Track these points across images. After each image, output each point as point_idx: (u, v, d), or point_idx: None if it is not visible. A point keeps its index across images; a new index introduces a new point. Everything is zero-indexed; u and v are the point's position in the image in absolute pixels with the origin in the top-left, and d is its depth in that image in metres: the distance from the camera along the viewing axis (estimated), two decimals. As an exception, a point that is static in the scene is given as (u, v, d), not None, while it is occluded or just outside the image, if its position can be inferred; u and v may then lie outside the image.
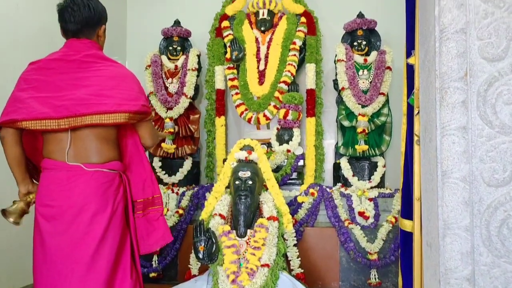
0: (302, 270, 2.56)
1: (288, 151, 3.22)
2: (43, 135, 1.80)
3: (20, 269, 2.65)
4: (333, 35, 3.54)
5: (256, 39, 3.41)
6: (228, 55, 3.44)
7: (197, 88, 3.51)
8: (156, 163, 3.39)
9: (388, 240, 2.84)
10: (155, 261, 2.97)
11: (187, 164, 3.42)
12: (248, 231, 2.34)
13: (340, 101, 3.30)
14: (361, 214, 2.92)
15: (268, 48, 3.37)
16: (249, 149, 2.60)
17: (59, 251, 1.71)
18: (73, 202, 1.73)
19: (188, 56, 3.47)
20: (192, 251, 2.29)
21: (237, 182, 2.43)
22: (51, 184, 1.75)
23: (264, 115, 3.29)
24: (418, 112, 1.55)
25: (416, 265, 1.62)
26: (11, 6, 2.73)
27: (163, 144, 3.34)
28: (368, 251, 2.81)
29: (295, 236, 2.56)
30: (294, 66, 3.33)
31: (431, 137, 1.30)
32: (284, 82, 3.28)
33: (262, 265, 2.19)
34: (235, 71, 3.47)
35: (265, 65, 3.37)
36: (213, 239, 2.23)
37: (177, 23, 3.58)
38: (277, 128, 3.29)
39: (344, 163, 3.22)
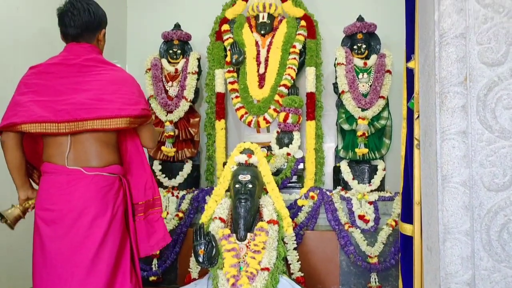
0: (302, 274, 2.56)
1: (288, 154, 3.22)
2: (43, 139, 1.80)
3: (19, 273, 2.65)
4: (333, 38, 3.55)
5: (256, 43, 3.42)
6: (228, 59, 3.44)
7: (197, 92, 3.51)
8: (156, 166, 3.39)
9: (388, 244, 2.84)
10: (155, 265, 2.97)
11: (187, 167, 3.42)
12: (248, 234, 2.33)
13: (340, 105, 3.31)
14: (361, 217, 2.92)
15: (268, 51, 3.38)
16: (249, 152, 2.60)
17: (59, 255, 1.71)
18: (73, 206, 1.73)
19: (188, 59, 3.48)
20: (192, 254, 2.29)
21: (237, 186, 2.42)
22: (51, 188, 1.75)
23: (264, 119, 3.30)
24: (418, 116, 1.55)
25: (417, 269, 1.62)
26: (11, 8, 2.74)
27: (163, 148, 3.34)
28: (368, 255, 2.81)
29: (295, 240, 2.56)
30: (294, 69, 3.33)
31: (431, 142, 1.30)
32: (284, 85, 3.29)
33: (262, 269, 2.19)
34: (235, 74, 3.48)
35: (265, 68, 3.37)
36: (213, 243, 2.22)
37: (177, 26, 3.59)
38: (277, 132, 3.29)
39: (344, 166, 3.22)
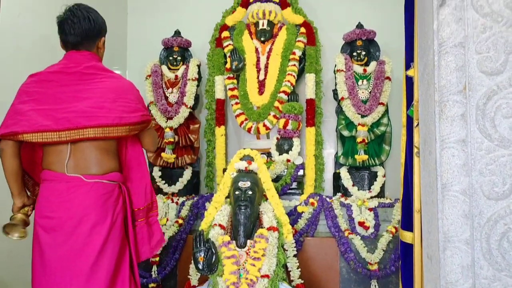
0: (302, 281, 2.55)
1: (288, 160, 3.22)
2: (43, 146, 1.81)
3: (19, 279, 2.64)
4: (333, 45, 3.56)
5: (256, 49, 3.43)
6: (228, 65, 3.45)
7: (197, 98, 3.51)
8: (156, 172, 3.39)
9: (388, 251, 2.83)
10: (154, 272, 2.96)
11: (187, 173, 3.42)
12: (248, 241, 2.33)
13: (339, 111, 3.31)
14: (361, 224, 2.91)
15: (268, 58, 3.39)
16: (249, 159, 2.61)
17: (59, 263, 1.71)
18: (73, 213, 1.73)
19: (188, 66, 3.49)
20: (192, 261, 2.28)
21: (237, 192, 2.42)
22: (50, 196, 1.76)
23: (264, 125, 3.30)
24: (418, 124, 1.55)
25: (417, 278, 1.62)
26: (12, 15, 2.75)
27: (163, 154, 3.34)
28: (368, 262, 2.80)
29: (295, 247, 2.55)
30: (294, 76, 3.34)
31: (431, 150, 1.31)
32: (284, 92, 3.29)
33: (262, 276, 2.18)
34: (235, 81, 3.49)
35: (265, 75, 3.38)
36: (213, 250, 2.22)
37: (177, 33, 3.60)
38: (277, 138, 3.29)
39: (344, 173, 3.22)
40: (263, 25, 3.42)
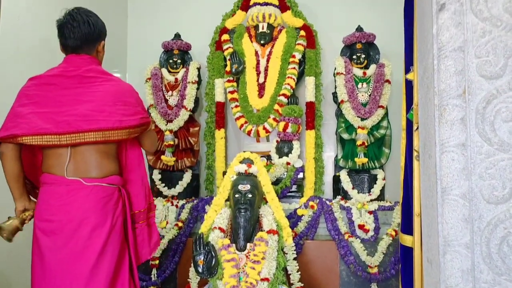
0: (302, 284, 2.55)
1: (288, 163, 3.22)
2: (42, 150, 1.81)
3: (19, 281, 2.64)
4: (333, 48, 3.57)
5: (256, 52, 3.43)
6: (228, 68, 3.46)
7: (197, 101, 3.52)
8: (156, 175, 3.39)
9: (388, 254, 2.83)
10: (154, 275, 2.96)
11: (187, 176, 3.42)
12: (248, 244, 2.33)
13: (339, 114, 3.31)
14: (361, 227, 2.91)
15: (267, 61, 3.39)
16: (248, 162, 2.60)
17: (59, 266, 1.71)
18: (73, 216, 1.74)
19: (188, 69, 3.49)
20: (192, 264, 2.28)
21: (236, 195, 2.42)
22: (50, 199, 1.76)
23: (264, 128, 3.30)
24: (418, 128, 1.55)
25: (417, 281, 1.61)
26: (12, 17, 2.75)
27: (162, 157, 3.34)
28: (368, 265, 2.80)
29: (294, 250, 2.55)
30: (294, 79, 3.35)
31: (430, 154, 1.31)
32: (284, 95, 3.30)
33: (261, 279, 2.18)
34: (234, 84, 3.49)
35: (265, 78, 3.38)
36: (213, 253, 2.22)
37: (177, 36, 3.61)
38: (277, 141, 3.29)
39: (343, 175, 3.22)
40: (263, 28, 3.42)
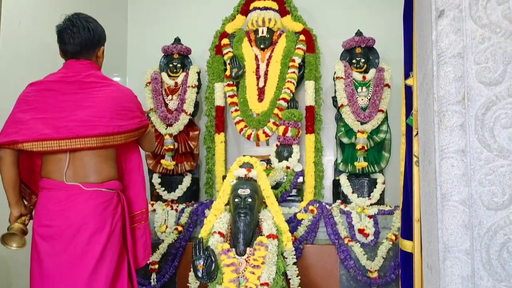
0: (302, 289, 2.55)
1: (288, 167, 3.22)
2: (42, 155, 1.81)
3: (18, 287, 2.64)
4: (332, 52, 3.57)
5: (256, 57, 3.44)
6: (227, 72, 3.46)
7: (196, 105, 3.52)
8: (156, 179, 3.39)
9: (388, 258, 2.82)
10: (153, 279, 2.95)
11: (187, 180, 3.42)
12: (248, 249, 2.32)
13: (339, 118, 3.32)
14: (361, 231, 2.90)
15: (267, 65, 3.40)
16: (248, 166, 2.60)
17: (57, 271, 1.71)
18: (72, 221, 1.74)
19: (188, 73, 3.50)
20: (191, 269, 2.28)
21: (236, 200, 2.42)
22: (49, 204, 1.76)
23: (264, 132, 3.30)
24: (417, 133, 1.55)
25: (417, 287, 1.61)
26: (13, 23, 2.76)
27: (162, 161, 3.34)
28: (368, 269, 2.79)
29: (294, 254, 2.54)
30: (293, 83, 3.35)
31: (430, 160, 1.31)
32: (284, 99, 3.30)
33: (261, 284, 2.17)
34: (234, 88, 3.50)
35: (265, 82, 3.39)
36: (212, 258, 2.21)
37: (177, 40, 3.62)
38: (277, 145, 3.29)
39: (343, 179, 3.22)
40: (262, 33, 3.43)
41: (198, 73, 3.52)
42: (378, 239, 2.90)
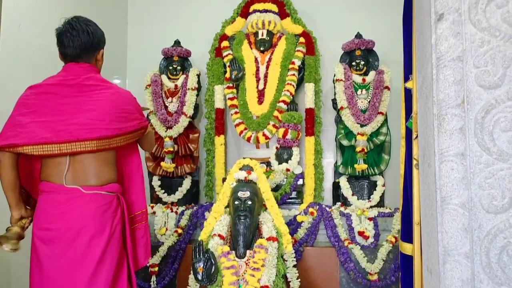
0: (302, 292, 2.54)
1: (288, 170, 3.22)
2: (41, 158, 1.80)
3: (17, 291, 2.63)
4: (332, 55, 3.58)
5: (256, 59, 3.44)
6: (227, 75, 3.47)
7: (196, 107, 3.52)
8: (155, 182, 3.39)
9: (388, 260, 2.82)
10: (153, 282, 2.95)
11: (187, 183, 3.42)
12: (248, 251, 2.32)
13: (339, 120, 3.32)
14: (361, 233, 2.90)
15: (267, 68, 3.40)
16: (248, 169, 2.60)
17: (57, 275, 1.71)
18: (71, 224, 1.73)
19: (188, 75, 3.50)
20: (191, 271, 2.28)
21: (236, 202, 2.42)
22: (49, 207, 1.75)
23: (264, 134, 3.31)
24: (417, 136, 1.56)
25: (417, 290, 1.61)
26: (13, 25, 2.76)
27: (162, 163, 3.34)
28: (368, 272, 2.79)
29: (294, 257, 2.54)
30: (293, 85, 3.36)
31: (430, 163, 1.31)
32: (283, 101, 3.30)
33: (261, 287, 2.17)
34: (234, 90, 3.50)
35: (264, 84, 3.39)
36: (212, 260, 2.21)
37: (177, 43, 3.62)
38: (277, 147, 3.30)
39: (343, 182, 3.22)
40: (262, 35, 3.44)
41: (198, 75, 3.52)
42: (378, 242, 2.90)
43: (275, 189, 3.16)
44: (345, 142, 3.22)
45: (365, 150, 3.14)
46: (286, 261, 2.51)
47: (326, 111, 3.60)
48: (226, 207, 2.59)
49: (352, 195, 3.16)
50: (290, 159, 3.23)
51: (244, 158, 2.74)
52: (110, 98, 1.80)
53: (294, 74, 3.37)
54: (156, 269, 2.96)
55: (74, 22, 1.82)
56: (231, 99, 3.47)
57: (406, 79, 1.78)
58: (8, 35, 2.68)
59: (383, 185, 3.18)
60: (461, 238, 1.20)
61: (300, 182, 3.25)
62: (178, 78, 3.54)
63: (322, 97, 3.56)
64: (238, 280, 2.21)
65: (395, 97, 3.24)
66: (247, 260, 2.29)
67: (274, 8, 3.48)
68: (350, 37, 3.37)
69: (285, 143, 3.23)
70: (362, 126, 3.18)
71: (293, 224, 2.98)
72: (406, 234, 1.80)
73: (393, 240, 2.84)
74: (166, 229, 3.07)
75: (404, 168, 1.84)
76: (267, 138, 3.31)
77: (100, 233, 1.77)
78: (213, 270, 2.19)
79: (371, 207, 3.10)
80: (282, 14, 3.51)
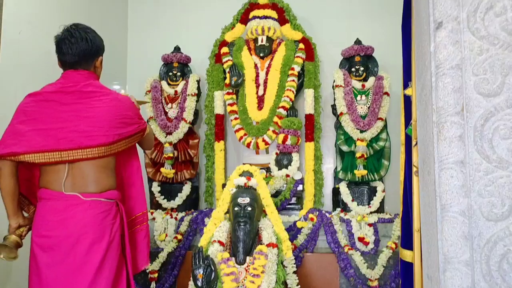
0: (302, 298, 2.54)
1: (287, 175, 3.22)
2: (40, 166, 1.80)
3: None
4: (331, 61, 3.59)
5: (255, 65, 3.45)
6: (227, 81, 3.47)
7: (196, 113, 3.53)
8: (155, 187, 3.39)
9: (388, 267, 2.81)
10: (153, 288, 2.94)
11: (186, 188, 3.41)
12: (247, 258, 2.32)
13: (338, 126, 3.32)
14: (361, 239, 2.90)
15: (267, 74, 3.41)
16: (248, 175, 2.60)
17: (56, 282, 1.70)
18: (71, 231, 1.73)
19: (187, 81, 3.51)
20: (191, 278, 2.27)
21: (236, 209, 2.42)
22: (48, 214, 1.75)
23: (263, 140, 3.31)
24: (416, 143, 1.56)
25: (417, 297, 1.61)
26: (14, 32, 2.77)
27: (162, 169, 3.34)
28: (368, 278, 2.78)
29: (294, 263, 2.53)
30: (293, 91, 3.36)
31: (429, 170, 1.31)
32: (283, 107, 3.31)
33: (261, 293, 2.17)
34: (234, 96, 3.51)
35: (264, 90, 3.40)
36: (212, 267, 2.21)
37: (177, 49, 3.63)
38: (276, 153, 3.30)
39: (343, 188, 3.22)
40: (262, 41, 3.45)
41: (198, 81, 3.53)
42: (378, 248, 2.90)
43: (275, 195, 3.16)
44: (344, 148, 3.22)
45: (365, 156, 3.14)
46: (286, 267, 2.50)
47: (325, 117, 3.61)
48: (226, 213, 2.59)
49: (352, 201, 3.15)
50: (290, 165, 3.23)
51: (243, 164, 2.74)
52: (109, 105, 1.80)
53: (293, 80, 3.37)
54: (156, 275, 2.95)
55: (73, 30, 1.82)
56: (231, 105, 3.47)
57: (406, 86, 1.78)
58: (9, 41, 2.69)
59: (383, 191, 3.17)
60: (461, 245, 1.20)
61: (300, 188, 3.25)
62: (178, 84, 3.55)
63: (322, 103, 3.57)
64: (238, 286, 2.21)
65: (394, 102, 3.25)
66: (247, 266, 2.29)
67: (274, 14, 3.50)
68: (349, 43, 3.38)
69: (284, 149, 3.23)
70: (361, 132, 3.19)
71: (293, 230, 2.98)
72: (406, 241, 1.80)
73: (393, 246, 2.83)
74: (166, 235, 3.07)
75: (404, 175, 1.84)
76: (266, 144, 3.32)
77: (99, 240, 1.76)
78: (212, 276, 2.19)
79: (371, 213, 3.09)
80: (282, 20, 3.53)
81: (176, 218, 3.18)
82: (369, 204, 3.14)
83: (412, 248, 1.69)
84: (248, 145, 3.35)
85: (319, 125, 3.51)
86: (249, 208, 2.40)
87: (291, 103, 3.36)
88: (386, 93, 3.24)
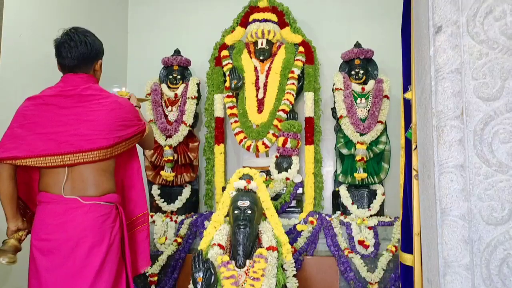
0: (302, 302, 2.53)
1: (287, 179, 3.22)
2: (40, 169, 1.80)
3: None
4: (331, 64, 3.59)
5: (255, 68, 3.46)
6: (227, 84, 3.48)
7: (196, 116, 3.54)
8: (155, 190, 3.38)
9: (388, 270, 2.81)
10: (152, 291, 2.94)
11: (186, 192, 3.42)
12: (247, 261, 2.31)
13: (338, 129, 3.33)
14: (361, 242, 2.90)
15: (266, 77, 3.42)
16: (248, 178, 2.60)
17: (56, 286, 1.70)
18: (70, 235, 1.72)
19: (187, 84, 3.51)
20: (191, 281, 2.27)
21: (236, 212, 2.42)
22: (47, 218, 1.74)
23: (263, 143, 3.31)
24: (416, 147, 1.56)
25: (417, 301, 1.61)
26: (14, 35, 2.78)
27: (162, 172, 3.34)
28: (368, 281, 2.78)
29: (294, 266, 2.53)
30: (293, 94, 3.37)
31: (429, 174, 1.31)
32: (283, 110, 3.31)
33: (261, 297, 2.16)
34: (234, 99, 3.51)
35: (264, 93, 3.40)
36: (212, 270, 2.20)
37: (177, 52, 3.64)
38: (276, 156, 3.30)
39: (343, 191, 3.22)
40: (262, 44, 3.46)
41: (198, 84, 3.53)
42: (378, 251, 2.89)
43: (274, 198, 3.16)
44: (344, 151, 3.22)
45: (365, 159, 3.14)
46: (286, 270, 2.50)
47: (325, 120, 3.61)
48: (225, 216, 2.59)
49: (352, 204, 3.16)
50: (290, 168, 3.23)
51: (243, 167, 2.74)
52: (109, 108, 1.80)
53: (293, 83, 3.38)
54: (156, 278, 2.95)
55: (72, 33, 1.82)
56: (231, 108, 3.48)
57: (405, 89, 1.79)
58: (9, 44, 2.70)
59: (383, 194, 3.18)
60: (461, 249, 1.20)
61: (300, 191, 3.25)
62: (178, 87, 3.55)
63: (322, 106, 3.57)
64: (238, 290, 2.20)
65: (394, 106, 3.25)
66: (247, 269, 2.28)
67: (274, 17, 3.51)
68: (349, 46, 3.39)
69: (284, 152, 3.23)
70: (361, 135, 3.19)
71: (292, 233, 2.98)
72: (406, 244, 1.80)
73: (393, 249, 2.83)
74: (166, 238, 3.07)
75: (404, 178, 1.84)
76: (266, 147, 3.32)
77: (99, 243, 1.76)
78: (212, 280, 2.19)
79: (371, 216, 3.09)
80: (282, 24, 3.53)
81: (176, 221, 3.18)
82: (369, 207, 3.14)
83: (412, 251, 1.69)
84: (248, 148, 3.36)
85: (319, 128, 3.52)
86: (249, 211, 2.40)
87: (291, 106, 3.36)
88: (386, 96, 3.25)
